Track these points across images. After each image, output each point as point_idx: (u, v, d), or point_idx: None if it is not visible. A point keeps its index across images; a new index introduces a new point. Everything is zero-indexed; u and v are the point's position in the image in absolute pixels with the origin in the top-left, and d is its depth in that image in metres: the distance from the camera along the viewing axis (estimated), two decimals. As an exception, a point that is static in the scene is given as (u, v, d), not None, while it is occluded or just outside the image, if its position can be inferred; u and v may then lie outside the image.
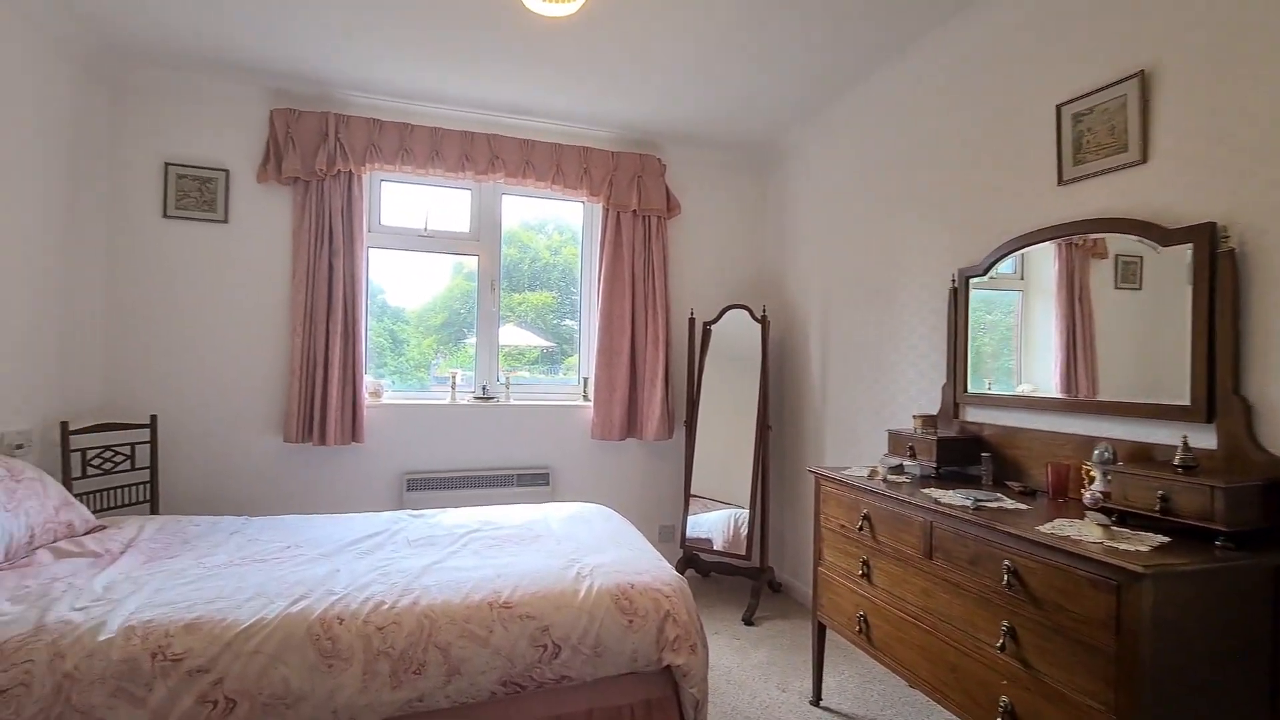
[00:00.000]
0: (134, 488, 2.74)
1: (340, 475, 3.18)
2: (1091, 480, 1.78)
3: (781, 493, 3.67)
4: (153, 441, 2.80)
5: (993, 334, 2.36)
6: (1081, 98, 1.97)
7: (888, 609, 2.01)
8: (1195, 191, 1.69)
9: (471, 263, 3.57)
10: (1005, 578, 1.57)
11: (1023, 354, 2.22)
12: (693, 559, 3.55)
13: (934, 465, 2.22)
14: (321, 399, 3.02)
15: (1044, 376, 2.11)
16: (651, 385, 3.55)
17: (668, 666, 1.69)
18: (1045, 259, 2.11)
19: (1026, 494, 1.99)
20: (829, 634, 2.38)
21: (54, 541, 1.86)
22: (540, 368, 3.82)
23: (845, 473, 2.31)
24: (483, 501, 3.27)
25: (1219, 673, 1.36)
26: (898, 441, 2.40)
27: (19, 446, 2.33)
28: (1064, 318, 2.04)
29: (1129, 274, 1.87)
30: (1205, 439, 1.63)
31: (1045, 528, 1.55)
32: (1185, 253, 1.67)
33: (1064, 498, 1.91)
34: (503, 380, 3.54)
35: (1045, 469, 1.98)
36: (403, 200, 3.44)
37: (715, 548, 3.40)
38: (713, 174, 3.84)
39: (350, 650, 1.47)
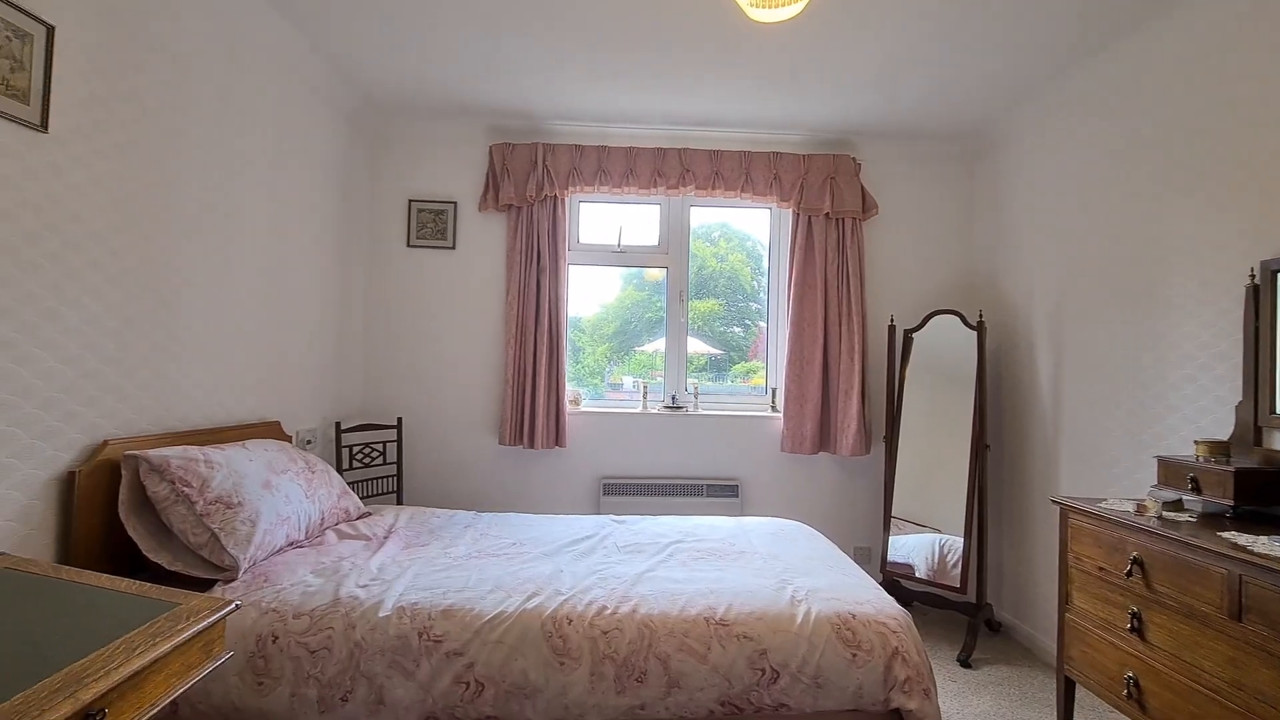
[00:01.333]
0: (385, 479, 3.19)
1: (545, 476, 3.43)
2: None
3: (1001, 521, 3.26)
4: (399, 440, 3.25)
5: None
6: None
7: (1171, 674, 1.66)
8: None
9: (645, 273, 3.67)
10: (1372, 660, 1.21)
11: None
12: (892, 585, 3.28)
13: (1229, 502, 1.80)
14: (530, 406, 3.28)
15: None
16: (846, 397, 3.35)
17: (896, 710, 1.56)
18: None
19: (1383, 549, 1.53)
20: (1080, 692, 2.04)
21: (336, 524, 2.22)
22: (707, 374, 3.81)
23: (1104, 505, 1.97)
24: (674, 509, 3.31)
25: None
26: (1173, 471, 1.99)
27: (308, 442, 2.82)
28: None
29: None
30: None
31: None
32: None
33: None
34: (690, 390, 3.57)
35: None
36: (597, 218, 3.64)
37: (918, 574, 3.12)
38: (913, 169, 3.55)
39: (579, 650, 1.54)
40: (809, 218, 3.41)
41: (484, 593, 1.70)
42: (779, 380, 3.52)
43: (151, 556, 1.67)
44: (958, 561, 3.00)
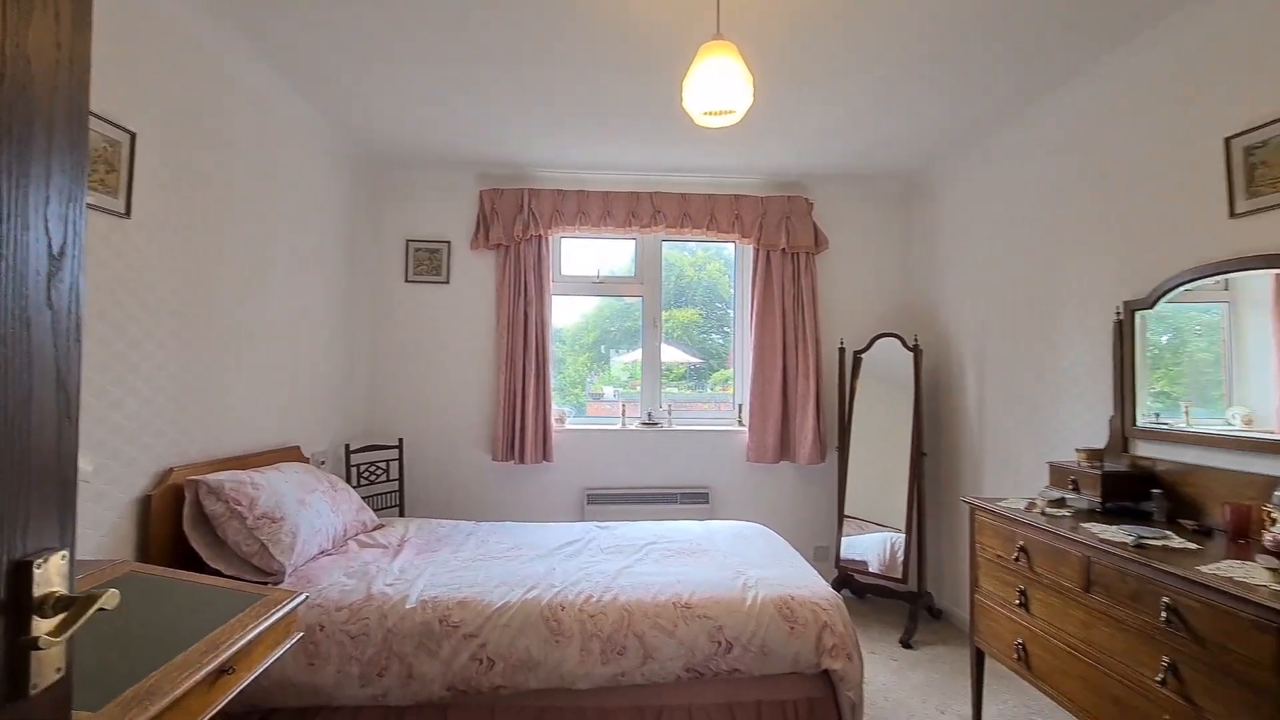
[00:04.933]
0: (388, 494, 3.52)
1: (535, 488, 3.78)
2: (1273, 522, 1.75)
3: (939, 519, 3.69)
4: (400, 458, 3.58)
5: (1193, 359, 2.25)
6: (1253, 130, 1.93)
7: (1046, 639, 2.08)
8: (1387, 227, 1.63)
9: (633, 297, 4.06)
10: (1164, 614, 1.63)
11: (1234, 380, 2.04)
12: (848, 579, 3.69)
13: (1099, 500, 2.23)
14: (520, 424, 3.64)
15: (1261, 404, 1.91)
16: (803, 411, 3.76)
17: (826, 671, 1.94)
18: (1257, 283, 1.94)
19: (1201, 533, 1.96)
20: (991, 664, 2.44)
21: (357, 535, 2.55)
22: (688, 383, 4.17)
23: (1001, 504, 2.39)
24: (651, 516, 3.68)
25: None
26: (1059, 474, 2.42)
27: (322, 463, 3.15)
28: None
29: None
30: (1407, 485, 1.56)
31: (1208, 568, 1.59)
32: (1376, 291, 1.62)
33: (1244, 539, 1.87)
34: (664, 407, 3.96)
35: (1222, 509, 1.94)
36: (578, 251, 4.02)
37: (871, 570, 3.52)
38: (859, 208, 3.99)
39: (571, 631, 1.91)
40: (768, 252, 3.83)
41: (491, 587, 2.06)
42: (745, 397, 3.92)
43: (211, 564, 2.00)
44: (904, 557, 3.41)
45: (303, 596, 1.50)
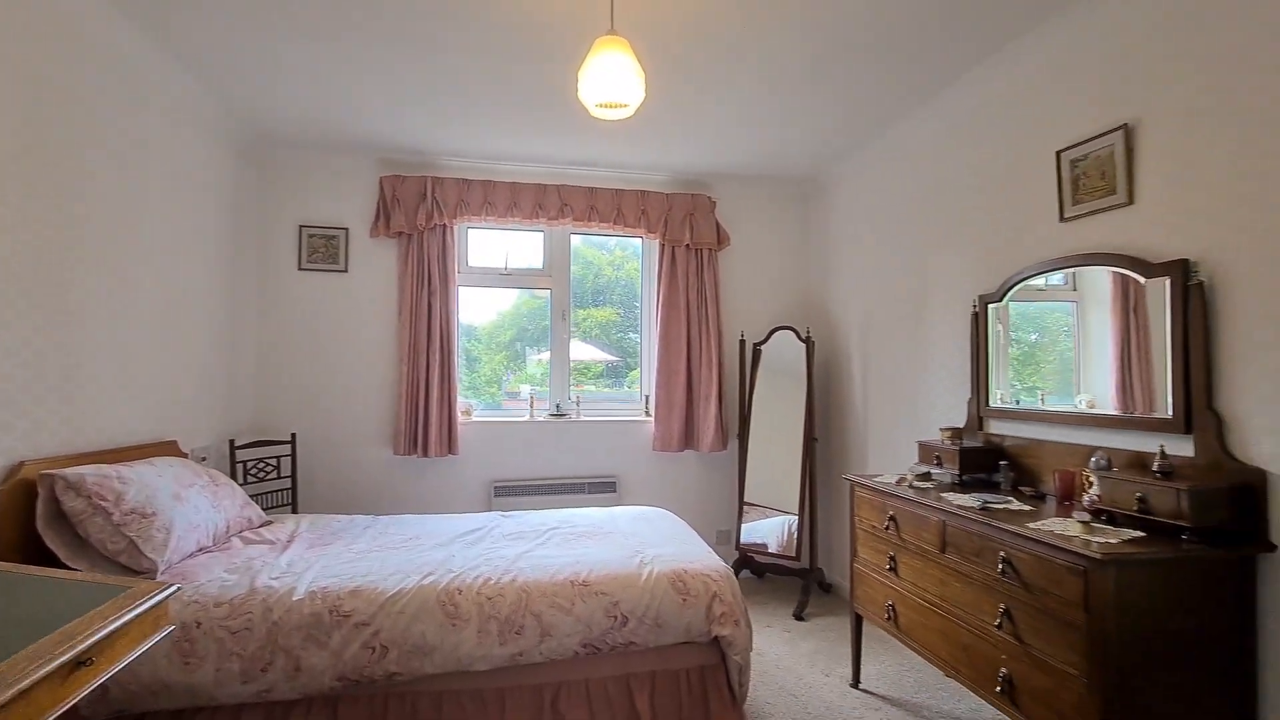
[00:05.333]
0: (280, 492, 3.35)
1: (439, 482, 3.71)
2: (1091, 485, 2.03)
3: (829, 500, 3.95)
4: (293, 455, 3.41)
5: (1044, 348, 2.51)
6: (1077, 145, 2.23)
7: (911, 598, 2.30)
8: (1173, 231, 1.93)
9: (542, 289, 4.07)
10: (1000, 567, 1.85)
11: (1082, 370, 2.28)
12: (748, 561, 3.88)
13: (958, 473, 2.48)
14: (424, 418, 3.57)
15: (1102, 390, 2.16)
16: (706, 401, 3.92)
17: (716, 638, 2.06)
18: (1099, 279, 2.16)
19: (1037, 498, 2.24)
20: (873, 630, 2.66)
21: (241, 531, 2.43)
22: (606, 381, 4.24)
23: (876, 480, 2.61)
24: (559, 506, 3.71)
25: (1181, 649, 1.61)
26: (927, 451, 2.68)
27: (203, 459, 2.95)
28: (1119, 332, 2.09)
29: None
30: (1185, 448, 1.86)
31: (1034, 524, 1.83)
32: (1164, 284, 1.91)
33: (1070, 500, 2.15)
34: (573, 399, 4.00)
35: (1054, 476, 2.22)
36: (486, 242, 3.98)
37: (770, 550, 3.72)
38: (759, 207, 4.20)
39: (469, 614, 1.92)
40: (673, 248, 3.95)
41: (386, 575, 2.03)
42: (651, 388, 4.03)
43: (70, 564, 1.85)
44: (797, 536, 3.63)
45: (174, 588, 1.42)
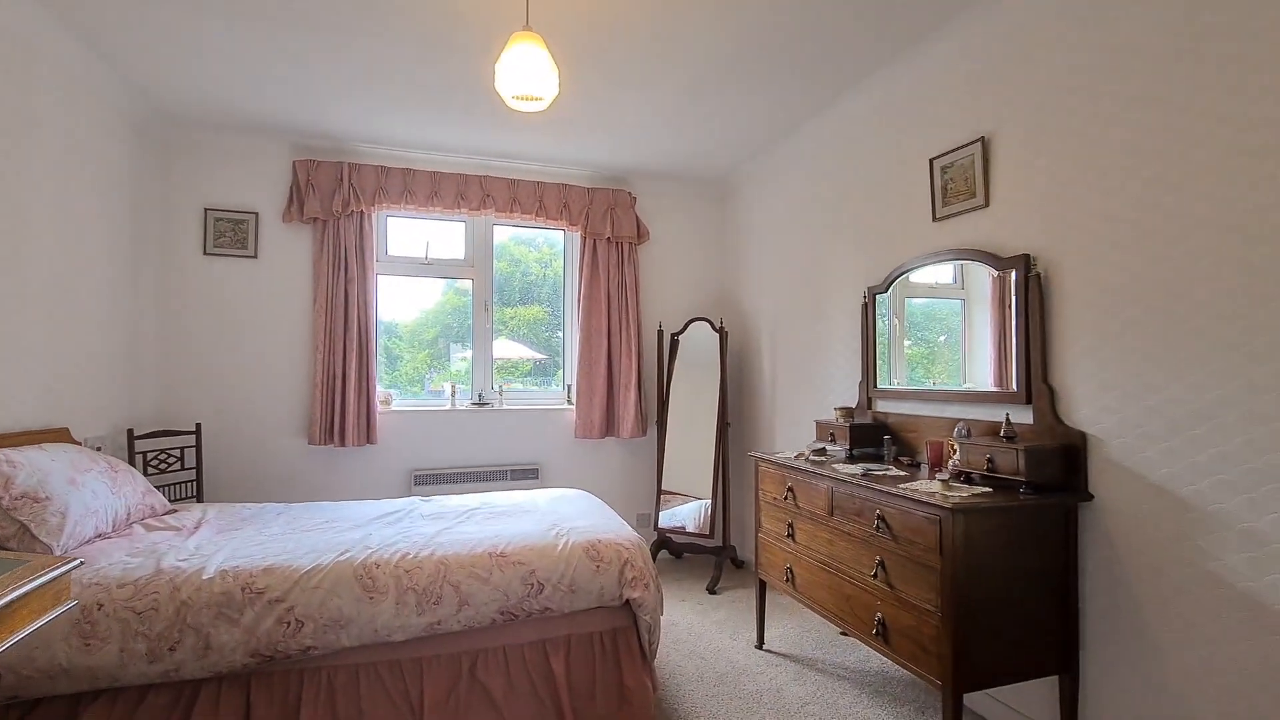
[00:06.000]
0: (184, 485, 3.23)
1: (357, 472, 3.68)
2: (955, 452, 2.31)
3: (741, 481, 4.19)
4: (198, 446, 3.29)
5: (951, 347, 2.74)
6: (946, 154, 2.52)
7: (805, 560, 2.53)
8: (1018, 230, 2.23)
9: (457, 283, 4.09)
10: (876, 524, 2.09)
11: (967, 360, 2.52)
12: (666, 542, 4.05)
13: (849, 448, 2.74)
14: (340, 407, 3.52)
15: (983, 377, 2.40)
16: (626, 390, 4.07)
17: (627, 601, 2.20)
18: (981, 277, 2.51)
19: (914, 466, 2.52)
20: (777, 598, 2.88)
21: (143, 519, 2.35)
22: (534, 380, 4.32)
23: (777, 456, 2.83)
24: (481, 492, 3.75)
25: (1019, 584, 1.89)
26: (823, 429, 2.93)
27: (98, 449, 2.81)
28: (993, 323, 2.45)
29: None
30: (1027, 416, 2.16)
31: (904, 486, 2.07)
32: (1011, 275, 2.22)
33: (939, 467, 2.44)
34: (496, 388, 4.05)
35: (926, 446, 2.51)
36: (407, 232, 3.96)
37: (688, 530, 3.91)
38: (677, 204, 4.39)
39: (386, 586, 1.97)
40: (594, 241, 4.07)
41: (301, 554, 2.04)
42: (573, 377, 4.14)
43: (-48, 551, 1.76)
44: (711, 515, 3.84)
45: (76, 561, 1.42)
